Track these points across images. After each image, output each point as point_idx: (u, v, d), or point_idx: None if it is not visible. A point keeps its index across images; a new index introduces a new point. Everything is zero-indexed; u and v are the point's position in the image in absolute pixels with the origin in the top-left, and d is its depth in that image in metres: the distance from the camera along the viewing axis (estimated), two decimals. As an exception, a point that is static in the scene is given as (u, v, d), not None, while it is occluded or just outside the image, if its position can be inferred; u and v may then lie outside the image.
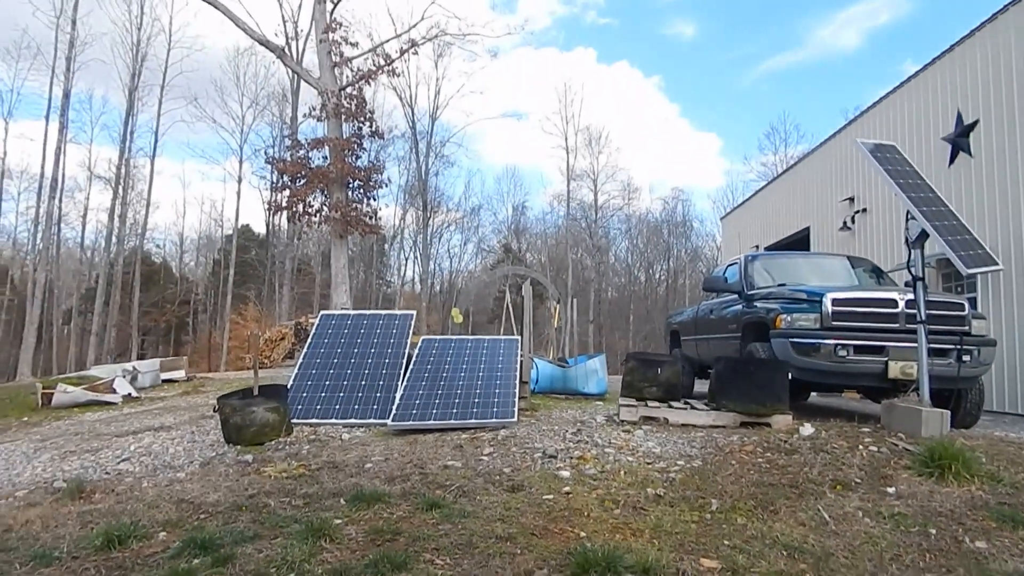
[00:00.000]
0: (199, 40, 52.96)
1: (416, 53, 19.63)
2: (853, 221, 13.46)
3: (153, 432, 6.44)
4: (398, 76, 19.55)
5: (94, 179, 35.66)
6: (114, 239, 32.97)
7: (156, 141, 33.81)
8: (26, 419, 8.56)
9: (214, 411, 5.73)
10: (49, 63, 28.88)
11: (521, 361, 6.93)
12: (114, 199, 32.32)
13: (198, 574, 3.04)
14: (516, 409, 5.97)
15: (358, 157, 18.04)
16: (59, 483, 4.77)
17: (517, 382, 6.46)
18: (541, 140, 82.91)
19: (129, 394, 9.81)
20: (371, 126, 18.03)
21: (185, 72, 41.68)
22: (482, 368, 6.68)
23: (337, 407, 6.25)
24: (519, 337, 7.72)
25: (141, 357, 26.50)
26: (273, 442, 5.43)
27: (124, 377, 10.44)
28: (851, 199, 13.63)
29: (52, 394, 9.31)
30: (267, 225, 38.13)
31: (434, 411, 5.93)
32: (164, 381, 11.79)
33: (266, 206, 27.62)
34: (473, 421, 5.78)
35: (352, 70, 17.86)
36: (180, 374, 12.44)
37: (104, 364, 16.54)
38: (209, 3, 16.81)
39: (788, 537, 3.33)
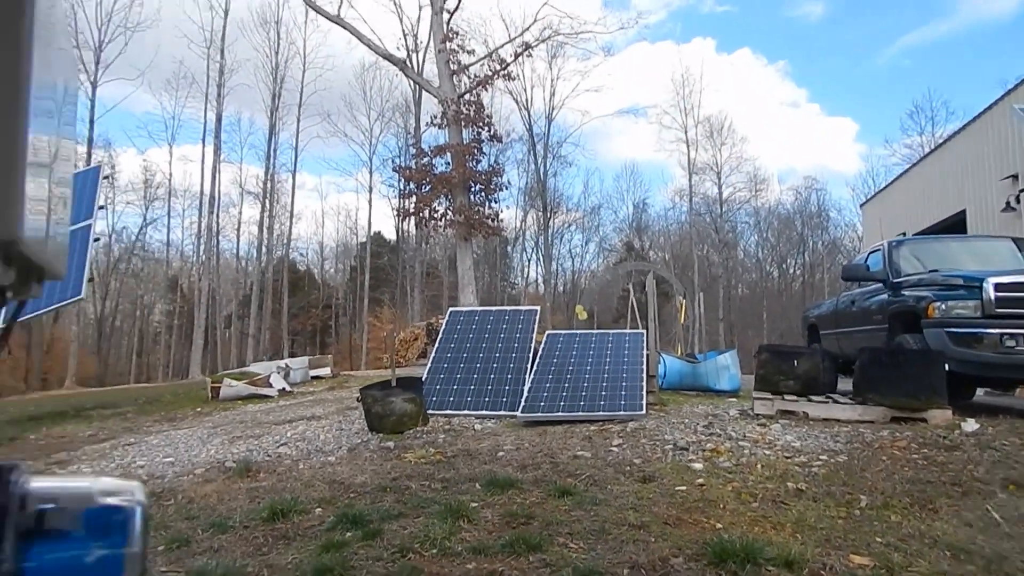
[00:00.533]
0: (330, 60, 56.56)
1: (530, 55, 19.94)
2: (1019, 201, 12.04)
3: (305, 421, 7.01)
4: (513, 80, 19.96)
5: (245, 195, 39.17)
6: (264, 249, 36.09)
7: (296, 157, 36.67)
8: (199, 410, 9.61)
9: (357, 401, 6.15)
10: (203, 90, 32.21)
11: (647, 355, 6.84)
12: (262, 212, 35.38)
13: (351, 545, 3.30)
14: (644, 402, 5.91)
15: (478, 161, 18.57)
16: (229, 463, 5.32)
17: (644, 375, 6.38)
18: (660, 135, 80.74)
19: (283, 388, 10.72)
20: (490, 130, 18.51)
21: (318, 91, 44.66)
22: (608, 361, 6.66)
23: (469, 399, 6.49)
24: (644, 331, 7.62)
25: (292, 356, 28.80)
26: (412, 430, 5.76)
27: (278, 373, 11.42)
28: (1015, 177, 12.20)
29: (220, 388, 10.37)
30: (397, 231, 40.09)
31: (561, 403, 6.01)
32: (312, 377, 12.78)
33: (395, 213, 29.09)
34: (601, 414, 5.79)
35: (469, 77, 18.43)
36: (326, 371, 13.41)
37: (261, 362, 18.16)
38: (337, 23, 18.00)
39: (951, 537, 3.07)
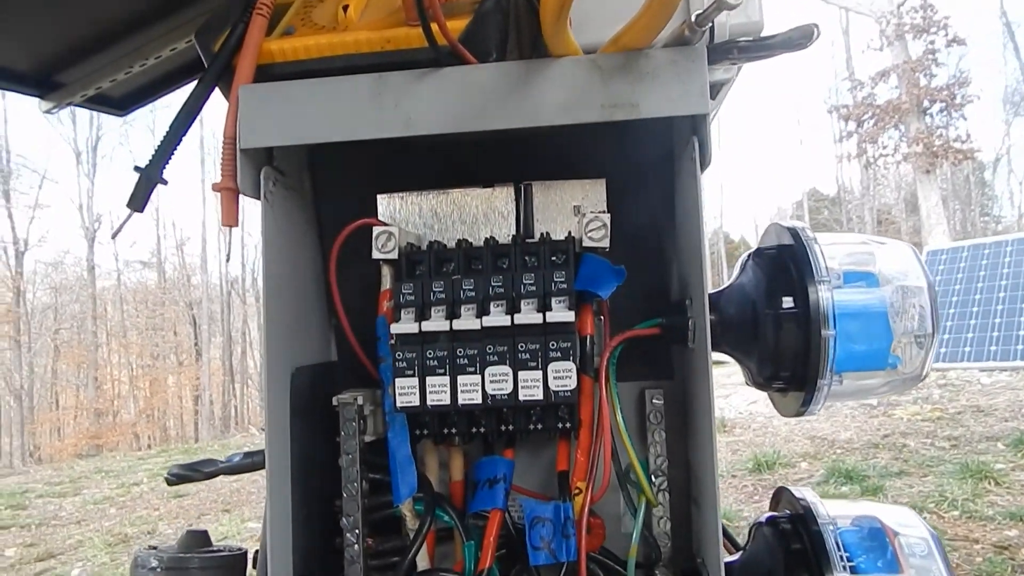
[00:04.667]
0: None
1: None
2: None
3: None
4: (974, -39, 15.98)
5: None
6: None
7: (719, 127, 36.39)
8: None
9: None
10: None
11: None
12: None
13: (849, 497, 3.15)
14: None
15: (934, 76, 15.46)
16: (704, 420, 5.66)
17: None
18: None
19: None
20: (946, 34, 15.21)
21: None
22: None
23: (967, 349, 5.50)
24: None
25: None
26: (897, 386, 5.20)
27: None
28: None
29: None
30: (837, 181, 36.41)
31: (1117, 349, 4.58)
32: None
33: (838, 160, 26.49)
34: None
35: (912, -22, 15.47)
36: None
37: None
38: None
39: None
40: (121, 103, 1.23)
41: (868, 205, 30.49)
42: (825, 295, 0.46)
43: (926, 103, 14.99)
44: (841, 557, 0.46)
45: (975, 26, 29.73)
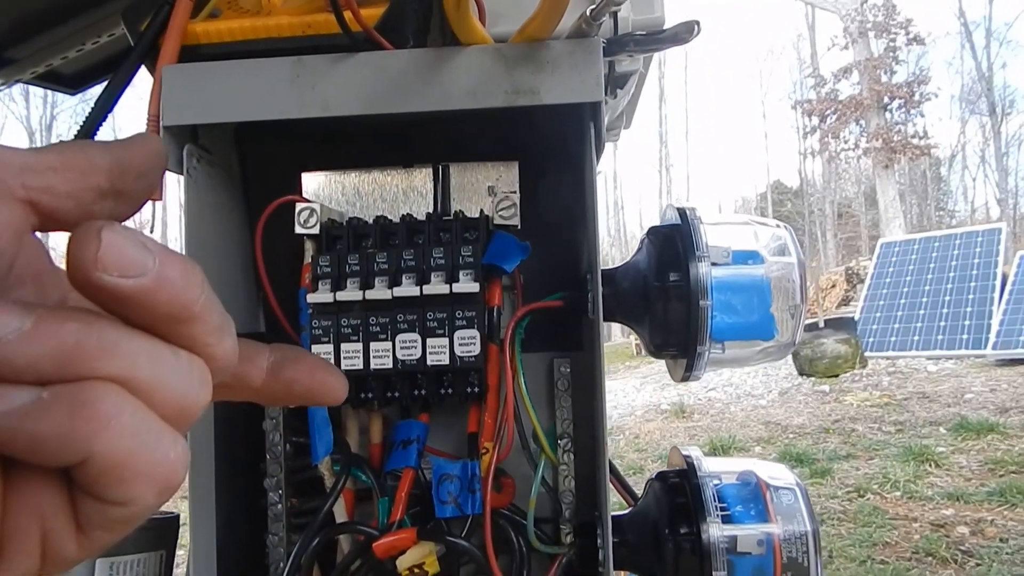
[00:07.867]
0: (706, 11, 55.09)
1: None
2: None
3: (729, 368, 7.14)
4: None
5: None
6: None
7: (687, 118, 36.79)
8: (627, 364, 10.60)
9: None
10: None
11: None
12: (660, 183, 36.61)
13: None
14: None
15: (894, 73, 15.88)
16: (664, 406, 5.75)
17: None
18: None
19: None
20: (907, 33, 15.61)
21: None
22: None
23: (916, 338, 5.70)
24: None
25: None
26: (848, 373, 5.36)
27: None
28: None
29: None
30: (800, 174, 37.09)
31: (1053, 338, 4.81)
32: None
33: (799, 155, 27.03)
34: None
35: (874, -24, 15.80)
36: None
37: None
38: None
39: None
40: (73, 81, 1.21)
41: (829, 198, 31.15)
42: (704, 270, 0.51)
43: (886, 100, 15.38)
44: (717, 508, 0.51)
45: (934, 26, 30.48)
